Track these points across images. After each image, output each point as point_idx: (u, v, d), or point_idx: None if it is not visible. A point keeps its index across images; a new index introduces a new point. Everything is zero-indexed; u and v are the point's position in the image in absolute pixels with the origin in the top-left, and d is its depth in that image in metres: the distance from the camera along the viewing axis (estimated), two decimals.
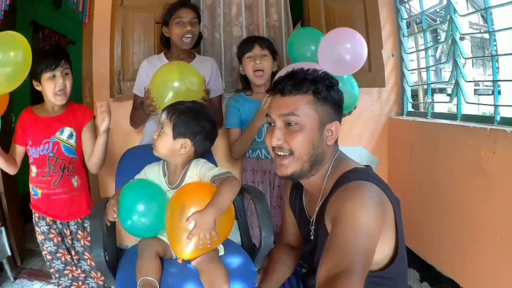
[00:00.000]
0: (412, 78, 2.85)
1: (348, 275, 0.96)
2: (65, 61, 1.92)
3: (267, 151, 2.18)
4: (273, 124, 1.33)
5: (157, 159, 1.72)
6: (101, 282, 2.09)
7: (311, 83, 1.28)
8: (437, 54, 6.25)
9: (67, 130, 2.01)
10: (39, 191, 2.00)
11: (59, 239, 2.05)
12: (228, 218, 1.61)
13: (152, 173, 1.72)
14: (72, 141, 2.02)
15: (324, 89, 1.29)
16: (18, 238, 2.94)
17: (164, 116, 1.64)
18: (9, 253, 2.69)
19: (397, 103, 2.86)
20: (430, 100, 2.62)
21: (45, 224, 2.02)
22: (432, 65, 2.61)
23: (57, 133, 1.98)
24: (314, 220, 1.38)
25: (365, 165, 1.36)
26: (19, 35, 1.73)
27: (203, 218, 1.45)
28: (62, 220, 2.03)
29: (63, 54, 1.94)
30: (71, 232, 2.06)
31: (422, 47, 2.73)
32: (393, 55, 2.82)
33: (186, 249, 1.50)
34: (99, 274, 2.07)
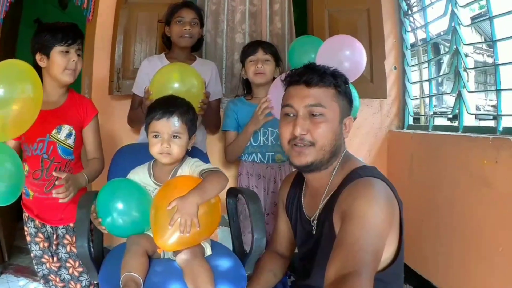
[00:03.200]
0: (414, 92, 2.82)
1: (358, 276, 0.95)
2: (81, 41, 1.77)
3: (263, 155, 2.18)
4: (291, 115, 1.32)
5: (150, 157, 1.65)
6: None
7: (332, 77, 1.31)
8: (439, 79, 6.23)
9: (66, 129, 1.78)
10: (31, 193, 1.80)
11: (46, 244, 1.87)
12: (213, 212, 1.53)
13: (136, 175, 1.66)
14: (70, 141, 1.80)
15: (343, 84, 1.33)
16: (7, 234, 2.88)
17: (177, 123, 1.56)
18: None
19: (398, 116, 2.83)
20: (431, 113, 2.59)
21: (33, 226, 1.85)
22: (435, 77, 2.58)
23: (54, 131, 1.75)
24: (317, 216, 1.34)
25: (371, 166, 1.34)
26: (22, 63, 1.48)
27: (185, 202, 1.39)
28: (53, 224, 1.84)
29: (80, 33, 1.78)
30: (57, 237, 1.86)
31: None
32: (396, 68, 2.80)
33: (168, 238, 1.42)
34: (78, 285, 1.89)
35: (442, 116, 4.92)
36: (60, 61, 1.69)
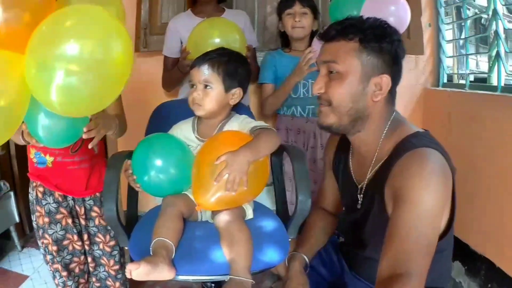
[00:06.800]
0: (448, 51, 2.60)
1: (408, 279, 0.89)
2: None
3: (303, 108, 2.02)
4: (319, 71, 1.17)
5: (193, 113, 1.47)
6: (113, 272, 1.69)
7: (359, 30, 1.09)
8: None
9: None
10: (50, 159, 1.53)
11: (69, 220, 1.59)
12: (262, 173, 1.34)
13: (179, 129, 1.49)
14: None
15: (373, 38, 1.08)
16: (27, 207, 2.71)
17: (206, 71, 1.40)
18: (17, 219, 2.47)
19: (433, 73, 2.60)
20: (468, 71, 2.36)
21: (52, 201, 1.56)
22: (471, 36, 2.34)
23: None
24: (364, 187, 1.19)
25: (423, 129, 1.15)
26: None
27: (236, 158, 1.23)
28: (77, 196, 1.58)
29: None
30: (85, 210, 1.61)
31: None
32: (430, 25, 2.56)
33: (211, 196, 1.24)
34: (111, 261, 1.68)
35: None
36: None
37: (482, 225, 1.93)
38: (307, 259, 1.29)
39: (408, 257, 0.92)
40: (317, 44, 1.79)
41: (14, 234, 2.49)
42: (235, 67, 1.43)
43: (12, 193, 2.43)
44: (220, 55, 1.43)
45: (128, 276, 1.09)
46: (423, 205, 0.96)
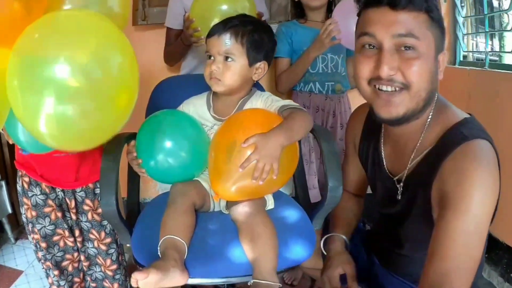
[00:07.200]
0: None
1: None
2: None
3: (322, 84, 1.84)
4: (371, 47, 0.94)
5: (200, 88, 1.30)
6: (110, 273, 1.53)
7: None
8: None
9: None
10: None
11: (59, 214, 1.43)
12: (291, 159, 1.16)
13: (191, 106, 1.31)
14: None
15: (435, 8, 0.93)
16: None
17: (228, 41, 1.19)
18: (9, 210, 2.27)
19: (449, 51, 2.43)
20: (488, 49, 2.19)
21: (39, 192, 1.40)
22: (491, 13, 2.13)
23: None
24: (404, 178, 1.04)
25: (468, 114, 0.99)
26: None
27: (267, 141, 1.04)
28: (66, 187, 1.42)
29: None
30: (76, 203, 1.44)
31: None
32: (446, 0, 2.38)
33: (231, 184, 1.07)
34: (108, 261, 1.51)
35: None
36: None
37: (504, 211, 1.80)
38: (346, 240, 1.16)
39: (451, 281, 0.82)
40: (339, 14, 1.64)
41: (7, 226, 2.31)
42: (260, 37, 1.23)
43: (3, 183, 2.25)
44: (243, 22, 1.22)
45: (134, 285, 0.92)
46: (474, 218, 0.84)
